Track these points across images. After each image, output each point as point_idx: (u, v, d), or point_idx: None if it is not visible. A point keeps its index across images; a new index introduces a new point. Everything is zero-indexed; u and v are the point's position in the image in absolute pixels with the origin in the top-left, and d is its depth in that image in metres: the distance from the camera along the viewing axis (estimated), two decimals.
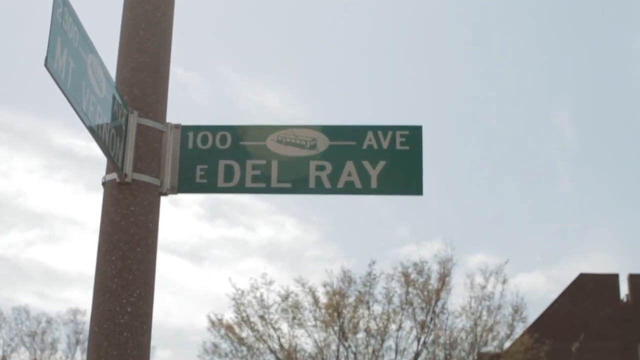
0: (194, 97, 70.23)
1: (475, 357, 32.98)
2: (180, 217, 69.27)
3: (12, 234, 70.92)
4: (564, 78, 74.43)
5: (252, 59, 77.35)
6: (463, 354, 32.87)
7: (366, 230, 66.83)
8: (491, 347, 33.28)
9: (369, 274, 33.15)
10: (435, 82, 76.68)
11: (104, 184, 5.10)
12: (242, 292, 33.25)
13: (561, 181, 70.73)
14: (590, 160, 73.64)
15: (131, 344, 4.76)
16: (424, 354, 32.89)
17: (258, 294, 33.16)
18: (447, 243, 41.44)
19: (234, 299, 33.29)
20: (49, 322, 46.50)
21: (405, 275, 32.92)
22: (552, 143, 69.87)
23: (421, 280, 33.04)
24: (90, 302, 4.92)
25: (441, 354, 32.86)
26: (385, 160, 5.26)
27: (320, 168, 5.26)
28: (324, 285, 33.20)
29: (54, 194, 72.56)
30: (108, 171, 5.10)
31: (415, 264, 33.16)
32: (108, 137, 4.83)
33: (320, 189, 5.23)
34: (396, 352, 32.78)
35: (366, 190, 5.23)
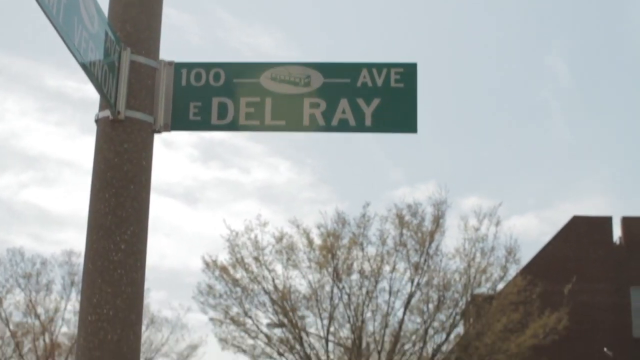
0: (187, 39, 69.91)
1: (469, 299, 33.16)
2: (174, 158, 69.34)
3: (6, 176, 70.92)
4: (559, 21, 74.09)
5: (246, 2, 76.84)
6: (456, 295, 33.05)
7: (360, 172, 66.95)
8: (484, 289, 33.46)
9: (363, 215, 33.24)
10: (432, 26, 76.29)
11: (97, 121, 5.07)
12: (237, 233, 33.34)
13: (555, 125, 70.76)
14: (584, 104, 73.59)
15: (125, 280, 4.76)
16: (417, 295, 33.07)
17: (252, 236, 33.26)
18: (441, 186, 41.53)
19: (228, 240, 33.39)
20: (43, 263, 46.60)
21: (399, 217, 32.99)
22: (546, 87, 69.75)
23: (415, 222, 33.12)
24: (84, 241, 4.92)
25: (435, 295, 33.03)
26: (380, 98, 5.23)
27: (314, 105, 5.23)
28: (318, 227, 33.31)
29: (47, 136, 72.46)
30: (101, 108, 5.07)
31: (409, 206, 33.24)
32: (101, 74, 4.80)
33: (314, 127, 5.21)
34: (390, 293, 32.96)
35: (360, 127, 5.20)
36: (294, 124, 5.23)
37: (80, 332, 4.76)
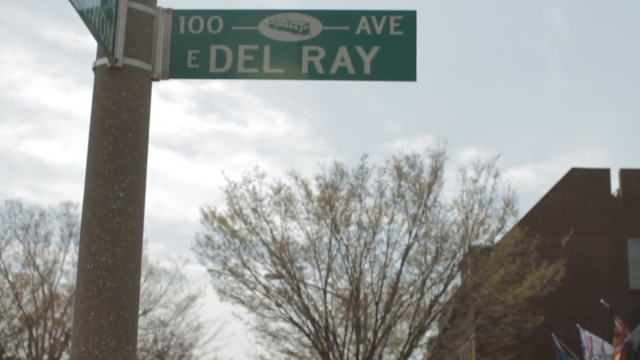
0: None
1: (466, 250, 33.25)
2: (171, 110, 69.25)
3: (4, 128, 70.87)
4: None
5: None
6: (454, 247, 33.12)
7: (357, 124, 66.93)
8: (482, 240, 33.54)
9: (361, 167, 33.22)
10: None
11: (94, 69, 5.04)
12: (235, 184, 33.34)
13: (553, 76, 70.62)
14: (583, 55, 73.36)
15: (124, 229, 4.76)
16: (415, 246, 33.14)
17: (250, 187, 33.27)
18: (439, 137, 41.48)
19: (226, 191, 33.40)
20: (42, 215, 46.70)
21: (398, 168, 32.97)
22: (545, 37, 69.48)
23: (413, 173, 33.12)
24: (83, 190, 4.91)
25: (432, 247, 33.12)
26: (379, 46, 5.20)
27: (313, 53, 5.20)
28: (317, 178, 33.30)
29: (44, 88, 72.31)
30: (99, 56, 5.04)
31: (407, 158, 33.20)
32: (98, 21, 4.76)
33: (313, 75, 5.19)
34: (388, 244, 33.03)
35: (359, 76, 5.18)
36: (293, 72, 5.21)
37: (79, 281, 4.77)
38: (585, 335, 28.03)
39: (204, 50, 5.23)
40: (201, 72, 5.22)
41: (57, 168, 75.11)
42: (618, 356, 26.32)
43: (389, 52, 5.19)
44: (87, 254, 4.75)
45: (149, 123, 5.02)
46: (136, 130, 4.91)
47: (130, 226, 4.79)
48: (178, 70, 5.19)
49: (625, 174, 39.35)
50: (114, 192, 4.78)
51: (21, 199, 70.50)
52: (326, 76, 5.17)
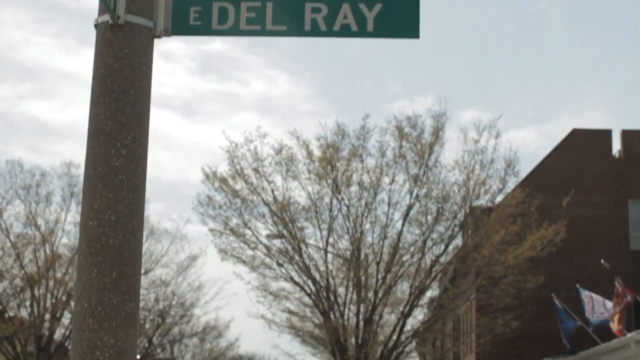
0: None
1: (467, 211, 33.27)
2: (172, 71, 69.08)
3: (4, 88, 70.75)
4: None
5: None
6: (455, 207, 33.13)
7: (358, 85, 66.75)
8: (483, 201, 33.56)
9: (363, 127, 33.15)
10: None
11: (96, 26, 5.02)
12: (236, 145, 33.28)
13: (555, 37, 70.34)
14: (585, 16, 73.04)
15: (126, 186, 4.76)
16: (416, 207, 33.15)
17: (252, 147, 33.21)
18: (440, 98, 41.34)
19: (227, 151, 33.34)
20: (43, 175, 46.62)
21: (399, 128, 32.90)
22: None
23: (414, 134, 33.05)
24: (85, 147, 4.90)
25: (433, 207, 33.13)
26: (382, 3, 5.16)
27: (316, 10, 5.16)
28: (318, 139, 33.24)
29: (44, 48, 72.08)
30: (100, 13, 5.02)
31: (408, 118, 33.11)
32: None
33: (315, 32, 5.15)
34: (389, 205, 33.05)
35: (362, 33, 5.14)
36: (295, 29, 5.17)
37: (81, 238, 4.78)
38: (585, 294, 28.17)
39: (206, 7, 5.19)
40: (203, 29, 5.19)
41: (57, 128, 75.10)
42: (617, 316, 26.45)
43: (391, 9, 5.15)
44: (89, 212, 4.76)
45: (150, 80, 5.00)
46: (138, 88, 4.89)
47: (133, 183, 4.79)
48: (180, 27, 5.16)
49: (626, 134, 39.30)
50: (116, 150, 4.78)
51: (22, 159, 70.42)
52: (329, 33, 5.14)
